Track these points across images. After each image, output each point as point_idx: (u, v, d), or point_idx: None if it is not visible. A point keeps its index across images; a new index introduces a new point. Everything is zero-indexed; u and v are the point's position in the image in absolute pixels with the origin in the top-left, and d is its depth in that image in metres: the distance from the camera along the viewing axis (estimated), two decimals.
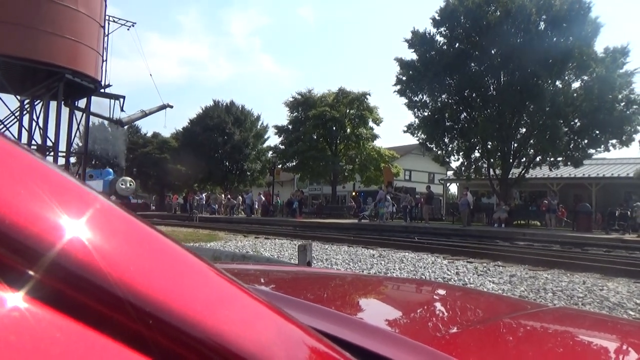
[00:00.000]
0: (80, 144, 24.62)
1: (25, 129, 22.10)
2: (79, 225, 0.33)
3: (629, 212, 18.48)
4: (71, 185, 0.36)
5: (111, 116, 24.94)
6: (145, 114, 28.05)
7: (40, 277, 0.30)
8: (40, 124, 20.87)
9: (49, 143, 20.51)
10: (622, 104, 19.79)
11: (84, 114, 22.30)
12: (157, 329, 0.33)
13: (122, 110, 24.70)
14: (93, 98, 22.46)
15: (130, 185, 30.24)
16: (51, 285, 0.30)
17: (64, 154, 21.80)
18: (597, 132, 20.19)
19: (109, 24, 23.15)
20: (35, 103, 21.93)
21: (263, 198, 32.61)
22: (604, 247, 13.04)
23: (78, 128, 22.56)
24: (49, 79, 18.81)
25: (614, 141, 20.27)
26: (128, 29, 25.98)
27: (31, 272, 0.30)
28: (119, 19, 25.32)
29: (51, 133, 20.53)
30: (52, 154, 20.75)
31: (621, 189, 23.48)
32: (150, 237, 0.38)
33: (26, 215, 0.31)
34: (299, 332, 0.43)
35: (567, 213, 21.29)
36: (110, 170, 31.68)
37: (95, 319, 0.31)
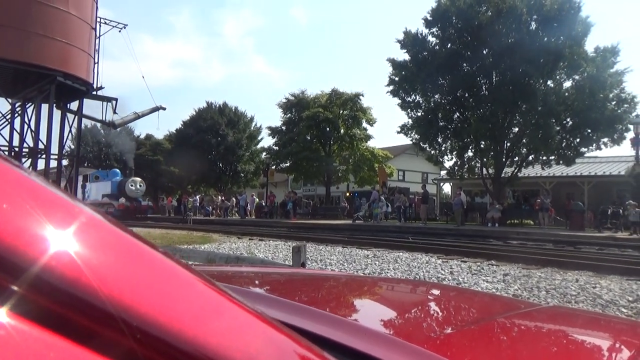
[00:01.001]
0: (73, 147, 24.45)
1: (16, 131, 21.95)
2: (66, 238, 0.32)
3: (621, 210, 18.61)
4: (56, 198, 0.35)
5: (104, 118, 24.78)
6: (138, 116, 27.87)
7: (26, 292, 0.29)
8: (32, 126, 20.74)
9: (40, 146, 20.38)
10: (613, 102, 19.96)
11: (76, 117, 22.17)
12: (145, 344, 0.32)
13: (114, 112, 24.58)
14: (86, 101, 22.35)
15: (140, 186, 29.25)
16: (38, 301, 0.30)
17: (56, 157, 21.66)
18: (589, 130, 20.33)
19: (100, 26, 23.07)
20: (27, 106, 21.79)
21: (257, 199, 32.53)
22: (596, 246, 13.13)
23: (70, 130, 22.43)
24: (40, 81, 18.70)
25: (605, 139, 20.43)
26: (120, 31, 25.83)
27: (16, 288, 0.29)
28: (111, 20, 25.19)
29: (43, 136, 20.42)
30: (44, 156, 20.62)
31: (613, 187, 23.65)
32: (138, 250, 0.38)
33: (10, 229, 0.30)
34: (288, 342, 0.43)
35: (555, 211, 21.40)
36: (118, 170, 31.02)
37: (83, 334, 0.31)
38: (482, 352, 0.81)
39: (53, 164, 22.10)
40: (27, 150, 21.04)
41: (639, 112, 20.53)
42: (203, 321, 0.37)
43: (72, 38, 18.89)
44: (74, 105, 22.22)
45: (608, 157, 26.86)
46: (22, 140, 21.44)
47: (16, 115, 22.17)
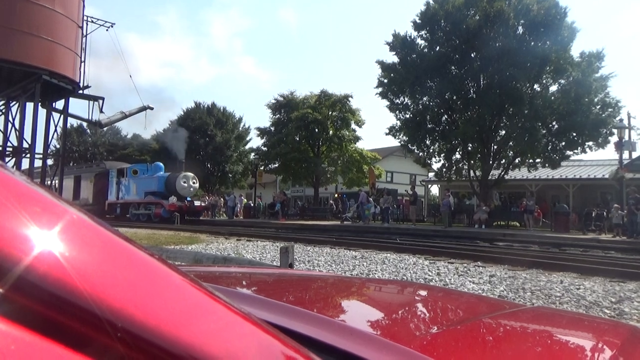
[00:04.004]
0: (58, 146, 23.96)
1: (0, 131, 21.60)
2: (50, 238, 0.32)
3: (604, 213, 18.89)
4: (40, 197, 0.35)
5: (90, 118, 24.45)
6: (125, 116, 27.49)
7: (9, 293, 0.29)
8: (17, 125, 20.43)
9: (25, 145, 20.08)
10: (598, 107, 20.26)
11: (62, 116, 21.90)
12: (130, 344, 0.32)
13: (101, 111, 24.25)
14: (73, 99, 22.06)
15: (193, 182, 25.59)
16: (21, 302, 0.29)
17: (41, 156, 21.36)
18: (574, 134, 20.62)
19: (87, 24, 22.74)
20: (11, 104, 21.47)
21: (244, 200, 32.40)
22: (580, 247, 13.31)
23: (55, 130, 22.14)
24: (25, 79, 18.43)
25: (590, 143, 20.73)
26: (107, 30, 25.51)
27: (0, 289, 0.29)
28: (98, 19, 24.84)
29: (27, 135, 20.11)
30: (28, 156, 20.32)
31: (597, 189, 24.01)
32: (124, 250, 0.38)
33: None
34: (275, 342, 0.43)
35: (542, 214, 21.67)
36: (161, 164, 27.37)
37: (67, 335, 0.30)
38: (468, 352, 0.82)
39: (38, 163, 21.81)
40: (10, 149, 20.73)
41: (622, 117, 20.93)
42: (189, 321, 0.36)
43: (58, 36, 18.65)
44: (59, 104, 21.96)
45: (592, 160, 27.27)
46: (6, 139, 21.10)
47: (0, 113, 21.84)
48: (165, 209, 24.45)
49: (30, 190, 0.35)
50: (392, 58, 23.78)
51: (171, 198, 24.18)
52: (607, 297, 5.84)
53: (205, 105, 44.44)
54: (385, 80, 23.77)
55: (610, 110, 20.22)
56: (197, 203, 25.87)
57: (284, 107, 34.23)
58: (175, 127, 32.81)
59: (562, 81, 20.84)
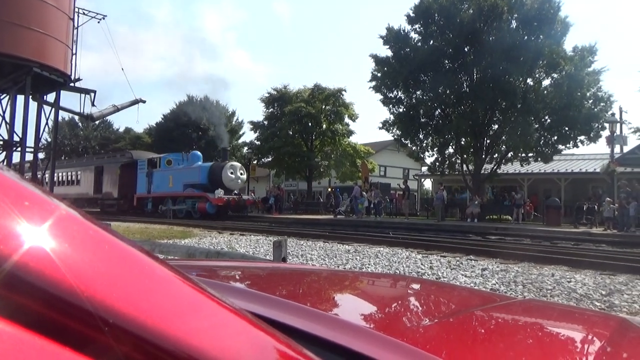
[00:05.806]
0: (49, 139, 23.65)
1: None
2: (40, 235, 0.32)
3: (595, 207, 19.05)
4: (29, 193, 0.35)
5: (81, 111, 24.20)
6: (117, 109, 27.19)
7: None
8: (7, 118, 20.23)
9: (16, 138, 19.89)
10: (590, 101, 20.38)
11: (53, 109, 21.70)
12: (122, 340, 0.32)
13: (93, 105, 24.01)
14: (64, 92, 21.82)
15: (241, 173, 23.37)
16: (11, 298, 0.29)
17: (32, 150, 21.18)
18: (567, 128, 20.74)
19: (78, 16, 22.49)
20: (1, 97, 21.24)
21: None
22: (572, 241, 13.42)
23: (47, 123, 21.94)
24: (15, 72, 18.23)
25: (582, 137, 20.87)
26: (99, 22, 25.23)
27: None
28: (89, 11, 24.55)
29: (18, 128, 19.91)
30: (19, 149, 20.14)
31: (588, 183, 24.19)
32: (115, 246, 0.38)
33: None
34: (266, 338, 0.43)
35: (533, 208, 21.82)
36: (198, 153, 25.19)
37: (59, 331, 0.30)
38: (459, 344, 0.83)
39: (29, 157, 21.62)
40: (1, 142, 20.53)
41: (614, 111, 21.08)
42: (181, 318, 0.36)
43: (49, 28, 18.44)
44: (50, 97, 21.74)
45: (584, 154, 27.46)
46: None
47: None
48: (210, 204, 22.10)
49: (18, 186, 0.35)
50: (385, 52, 23.76)
51: (217, 191, 21.66)
52: (598, 289, 5.91)
53: (198, 99, 44.25)
54: (379, 74, 23.74)
55: (602, 104, 20.35)
56: (245, 197, 23.53)
57: (277, 101, 34.15)
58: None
59: (555, 75, 20.91)
